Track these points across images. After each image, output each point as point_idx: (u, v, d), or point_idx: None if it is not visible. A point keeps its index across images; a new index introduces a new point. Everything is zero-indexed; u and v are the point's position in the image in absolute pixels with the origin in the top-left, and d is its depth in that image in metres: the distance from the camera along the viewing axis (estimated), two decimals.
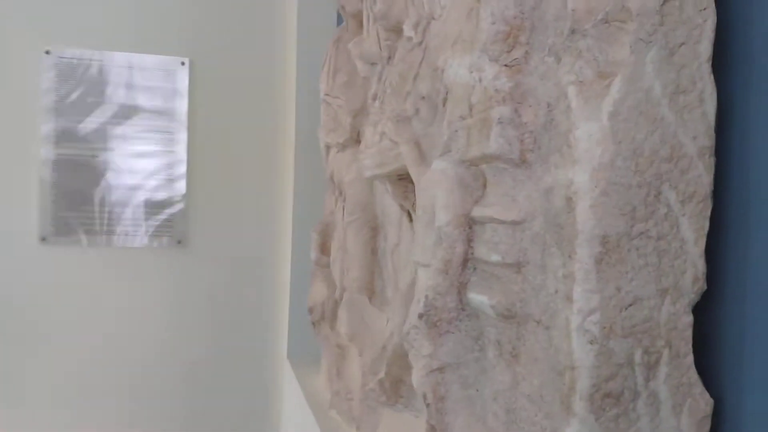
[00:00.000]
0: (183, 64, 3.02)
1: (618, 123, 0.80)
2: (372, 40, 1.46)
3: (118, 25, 2.95)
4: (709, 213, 0.84)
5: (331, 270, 1.79)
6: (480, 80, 0.94)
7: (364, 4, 1.59)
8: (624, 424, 0.81)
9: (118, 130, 2.96)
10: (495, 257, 0.91)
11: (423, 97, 1.15)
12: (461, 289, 0.98)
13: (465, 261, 0.98)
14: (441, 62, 1.06)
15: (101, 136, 2.94)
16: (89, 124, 2.92)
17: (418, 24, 1.19)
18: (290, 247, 2.99)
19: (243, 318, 3.09)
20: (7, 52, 2.86)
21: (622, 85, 0.81)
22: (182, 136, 3.02)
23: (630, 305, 0.81)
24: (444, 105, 1.07)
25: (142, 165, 2.99)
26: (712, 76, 0.84)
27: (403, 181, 1.31)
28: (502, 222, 0.91)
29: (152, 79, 2.99)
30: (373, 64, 1.51)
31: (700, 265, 0.84)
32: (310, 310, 1.93)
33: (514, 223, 0.89)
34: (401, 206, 1.34)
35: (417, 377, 1.01)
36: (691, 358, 0.84)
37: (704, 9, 0.83)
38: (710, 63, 0.84)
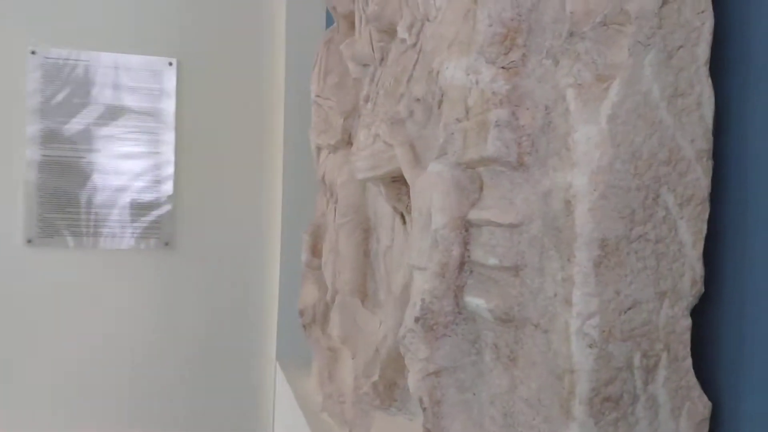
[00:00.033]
0: (170, 64, 3.00)
1: (617, 126, 0.80)
2: (364, 41, 1.46)
3: (105, 25, 2.92)
4: (707, 216, 0.84)
5: (323, 272, 1.78)
6: (477, 82, 0.93)
7: (356, 5, 1.58)
8: (623, 427, 0.81)
9: (105, 131, 2.93)
10: (492, 260, 0.91)
11: (417, 99, 1.14)
12: (458, 292, 0.97)
13: (461, 264, 0.97)
14: (436, 64, 1.05)
15: (87, 137, 2.91)
16: (75, 125, 2.90)
17: (413, 26, 1.18)
18: (279, 248, 2.97)
19: (231, 320, 3.07)
20: None
21: (621, 88, 0.81)
22: (170, 137, 3.00)
23: (629, 308, 0.81)
24: (439, 107, 1.06)
25: (129, 166, 2.97)
26: (709, 80, 0.84)
27: (396, 183, 1.30)
28: (500, 225, 0.90)
29: (139, 79, 2.97)
30: (365, 65, 1.50)
31: (698, 268, 0.84)
32: (301, 313, 1.92)
33: (512, 226, 0.89)
34: (394, 208, 1.34)
35: (413, 381, 1.00)
36: (689, 361, 0.84)
37: (702, 12, 0.83)
38: (708, 66, 0.84)
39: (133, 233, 2.97)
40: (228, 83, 3.05)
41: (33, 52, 2.85)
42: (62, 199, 2.89)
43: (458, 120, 0.98)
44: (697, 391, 0.84)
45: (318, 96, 1.84)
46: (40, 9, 2.86)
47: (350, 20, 1.82)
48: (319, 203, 1.97)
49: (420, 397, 0.99)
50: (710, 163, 0.85)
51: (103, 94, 2.93)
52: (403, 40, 1.23)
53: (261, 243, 3.09)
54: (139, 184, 2.98)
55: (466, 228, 0.97)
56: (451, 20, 1.03)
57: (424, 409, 0.99)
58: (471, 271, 0.97)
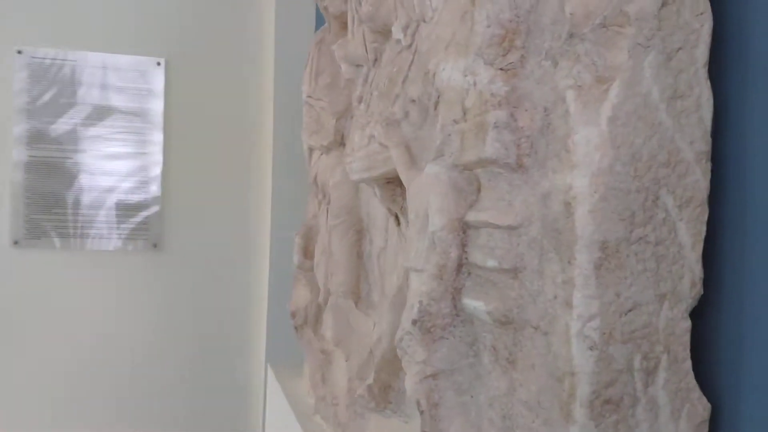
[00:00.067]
0: (158, 64, 2.98)
1: (617, 128, 0.80)
2: (357, 42, 1.45)
3: (92, 25, 2.90)
4: (706, 218, 0.84)
5: (315, 274, 1.78)
6: (474, 84, 0.93)
7: (348, 5, 1.58)
8: (623, 430, 0.81)
9: (92, 131, 2.91)
10: (491, 262, 0.91)
11: (413, 100, 1.14)
12: (455, 294, 0.97)
13: (459, 266, 0.97)
14: (432, 65, 1.05)
15: (75, 137, 2.89)
16: (62, 125, 2.87)
17: (408, 26, 1.18)
18: (268, 249, 2.96)
19: (220, 322, 3.06)
20: None
21: (621, 90, 0.81)
22: (158, 138, 2.98)
23: (629, 311, 0.81)
24: (435, 108, 1.06)
25: (117, 167, 2.95)
26: (708, 81, 0.84)
27: (390, 184, 1.29)
28: (498, 227, 0.90)
29: (127, 79, 2.95)
30: (358, 66, 1.49)
31: (698, 270, 0.84)
32: (293, 315, 1.91)
33: (511, 228, 0.89)
34: (389, 210, 1.33)
35: (410, 384, 1.00)
36: (689, 363, 0.84)
37: (701, 14, 0.83)
38: (707, 68, 0.84)
39: (121, 234, 2.95)
40: (217, 83, 3.04)
41: (19, 52, 2.82)
42: (49, 200, 2.86)
43: (455, 121, 0.98)
44: (696, 393, 0.84)
45: (309, 96, 1.83)
46: (26, 8, 2.83)
47: (342, 21, 1.81)
48: (310, 205, 1.96)
49: (417, 400, 0.99)
50: (709, 165, 0.85)
51: (91, 94, 2.91)
52: (398, 41, 1.22)
53: (250, 244, 3.08)
54: (127, 184, 2.96)
55: (463, 230, 0.97)
56: (447, 21, 1.03)
57: (422, 412, 0.99)
58: (469, 273, 0.97)
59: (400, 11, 1.20)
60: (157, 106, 2.98)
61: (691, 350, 0.85)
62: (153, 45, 2.98)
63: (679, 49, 0.83)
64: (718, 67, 0.87)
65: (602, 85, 0.81)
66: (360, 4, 1.44)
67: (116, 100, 2.94)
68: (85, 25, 2.90)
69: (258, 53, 3.07)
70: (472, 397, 0.98)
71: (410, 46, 1.18)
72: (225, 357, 3.05)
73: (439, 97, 1.03)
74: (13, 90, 2.82)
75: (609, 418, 0.80)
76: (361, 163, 1.29)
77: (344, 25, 1.81)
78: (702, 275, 0.84)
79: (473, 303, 0.93)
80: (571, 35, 0.84)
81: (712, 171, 0.85)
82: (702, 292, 0.85)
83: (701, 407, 0.85)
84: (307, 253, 1.89)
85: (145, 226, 2.98)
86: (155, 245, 2.99)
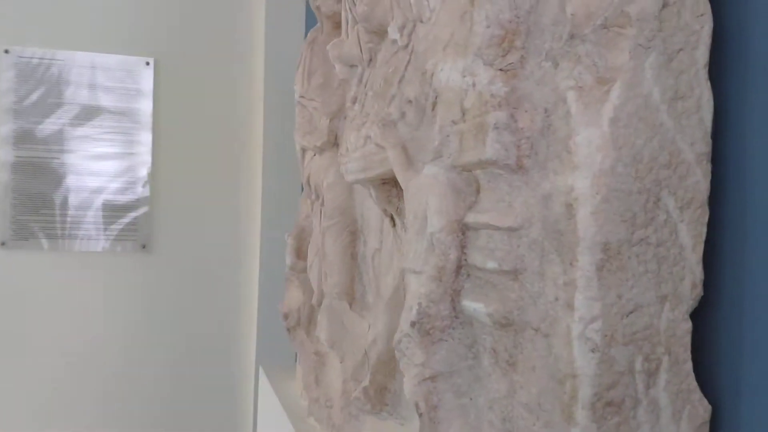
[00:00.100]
0: (147, 64, 2.96)
1: (618, 129, 0.80)
2: (352, 42, 1.44)
3: (81, 24, 2.88)
4: (706, 219, 0.84)
5: (308, 275, 1.77)
6: (474, 85, 0.92)
7: (342, 5, 1.57)
8: None
9: (80, 131, 2.89)
10: (491, 264, 0.90)
11: (409, 101, 1.13)
12: (454, 296, 0.97)
13: (458, 268, 0.96)
14: (430, 66, 1.04)
15: (62, 137, 2.86)
16: (50, 125, 2.85)
17: (404, 26, 1.17)
18: (258, 250, 2.95)
19: (209, 323, 3.04)
20: None
21: (622, 91, 0.80)
22: (146, 138, 2.96)
23: (631, 312, 0.80)
24: (433, 109, 1.05)
25: (105, 167, 2.92)
26: (708, 83, 0.84)
27: (386, 185, 1.29)
28: (498, 228, 0.89)
29: (115, 79, 2.93)
30: (352, 66, 1.49)
31: (698, 272, 0.84)
32: (285, 316, 1.90)
33: (511, 230, 0.88)
34: (384, 211, 1.33)
35: (409, 386, 0.99)
36: (690, 364, 0.84)
37: (701, 15, 0.83)
38: (707, 69, 0.84)
39: (110, 235, 2.93)
40: (206, 83, 3.02)
41: (6, 51, 2.79)
42: (37, 201, 2.84)
43: (454, 122, 0.97)
44: (697, 394, 0.84)
45: (302, 97, 1.82)
46: (13, 7, 2.81)
47: (334, 20, 1.81)
48: (303, 205, 1.95)
49: (416, 403, 0.98)
50: (709, 167, 0.85)
51: (79, 94, 2.88)
52: (394, 41, 1.21)
53: (240, 245, 3.06)
54: (115, 185, 2.94)
55: (462, 231, 0.96)
56: (445, 21, 1.02)
57: (421, 415, 0.98)
58: (468, 275, 0.96)
59: (397, 11, 1.19)
60: (145, 106, 2.96)
61: (692, 351, 0.85)
62: (142, 45, 2.96)
63: (680, 50, 0.83)
64: (718, 69, 0.87)
65: (603, 86, 0.81)
66: (354, 4, 1.44)
67: (104, 100, 2.92)
68: (73, 24, 2.87)
69: (248, 53, 3.05)
70: (471, 399, 0.97)
71: (407, 46, 1.17)
72: (215, 359, 3.04)
73: (436, 97, 1.03)
74: None
75: (611, 420, 0.80)
76: (357, 164, 1.29)
77: (337, 25, 1.80)
78: (702, 277, 0.84)
79: (473, 305, 0.93)
80: (572, 36, 0.83)
81: (712, 172, 0.85)
82: (702, 294, 0.85)
83: (702, 409, 0.84)
84: (300, 254, 1.88)
85: (133, 227, 2.96)
86: (144, 246, 2.97)
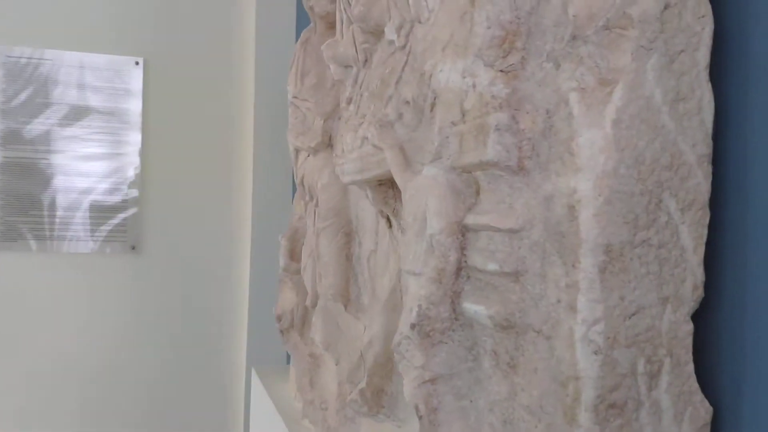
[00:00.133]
0: (137, 63, 2.94)
1: (621, 130, 0.80)
2: (347, 42, 1.44)
3: (69, 24, 2.85)
4: (707, 221, 0.84)
5: (302, 276, 1.76)
6: (474, 86, 0.92)
7: (337, 5, 1.56)
8: None
9: (69, 131, 2.87)
10: (492, 266, 0.90)
11: (407, 102, 1.13)
12: (454, 298, 0.96)
13: (458, 270, 0.96)
14: (429, 67, 1.04)
15: (51, 138, 2.84)
16: (38, 125, 2.82)
17: (402, 27, 1.16)
18: (249, 252, 2.93)
19: (200, 325, 3.02)
20: None
21: (624, 93, 0.80)
22: (136, 138, 2.94)
23: (633, 314, 0.80)
24: (431, 110, 1.05)
25: (94, 168, 2.90)
26: (709, 84, 0.84)
27: (383, 186, 1.28)
28: (499, 230, 0.89)
29: (104, 79, 2.91)
30: (347, 66, 1.48)
31: (699, 273, 0.84)
32: (278, 318, 1.89)
33: (512, 231, 0.88)
34: (381, 212, 1.32)
35: (409, 389, 0.99)
36: (691, 366, 0.84)
37: (702, 17, 0.83)
38: (708, 71, 0.84)
39: (99, 237, 2.90)
40: (196, 83, 3.01)
41: None
42: (25, 202, 2.81)
43: (453, 123, 0.97)
44: (698, 396, 0.84)
45: (295, 97, 1.81)
46: (1, 6, 2.78)
47: (328, 21, 1.80)
48: (296, 207, 1.95)
49: (416, 405, 0.98)
50: (710, 168, 0.85)
51: (67, 94, 2.86)
52: (391, 42, 1.21)
53: (231, 246, 3.05)
54: (104, 186, 2.92)
55: (462, 233, 0.96)
56: (444, 22, 1.02)
57: (420, 417, 0.98)
58: (468, 277, 0.96)
59: (394, 12, 1.18)
60: (135, 106, 2.94)
61: (693, 353, 0.85)
62: (131, 44, 2.94)
63: (681, 51, 0.83)
64: (719, 70, 0.87)
65: (606, 87, 0.81)
66: (349, 4, 1.43)
67: (93, 100, 2.90)
68: (62, 23, 2.85)
69: (238, 52, 3.04)
70: (471, 401, 0.97)
71: (404, 47, 1.16)
72: (205, 361, 3.02)
73: (435, 98, 1.02)
74: None
75: (613, 423, 0.80)
76: (353, 165, 1.28)
77: (330, 25, 1.80)
78: (704, 278, 0.84)
79: (474, 307, 0.93)
80: (574, 37, 0.83)
81: (713, 174, 0.85)
82: (703, 295, 0.85)
83: (703, 410, 0.85)
84: (294, 255, 1.87)
85: (123, 228, 2.94)
86: (133, 247, 2.95)
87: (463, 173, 0.97)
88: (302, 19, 2.81)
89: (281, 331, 1.88)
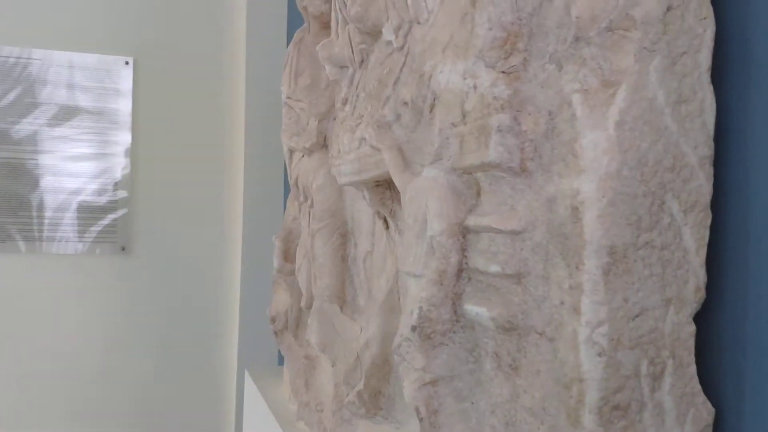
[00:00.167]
0: (127, 63, 2.92)
1: (624, 132, 0.80)
2: (343, 42, 1.43)
3: (58, 23, 2.83)
4: (709, 222, 0.85)
5: (297, 278, 1.75)
6: (475, 87, 0.92)
7: (332, 6, 1.55)
8: None
9: (58, 131, 2.84)
10: (494, 268, 0.89)
11: (405, 103, 1.12)
12: (456, 300, 0.96)
13: (459, 271, 0.96)
14: (428, 68, 1.03)
15: (40, 138, 2.81)
16: (27, 125, 2.80)
17: (400, 28, 1.16)
18: (240, 252, 2.92)
19: (191, 327, 3.01)
20: None
21: (628, 94, 0.80)
22: (125, 138, 2.92)
23: (636, 316, 0.80)
24: (431, 111, 1.04)
25: (83, 168, 2.88)
26: (711, 86, 0.84)
27: (380, 187, 1.28)
28: (501, 231, 0.89)
29: (94, 79, 2.88)
30: (342, 67, 1.47)
31: (701, 275, 0.84)
32: (272, 320, 1.88)
33: (514, 233, 0.88)
34: (378, 213, 1.32)
35: (409, 391, 0.98)
36: (694, 367, 0.84)
37: (704, 18, 0.84)
38: (710, 72, 0.84)
39: (88, 238, 2.88)
40: (186, 83, 2.99)
41: None
42: (13, 203, 2.78)
43: (454, 124, 0.97)
44: (701, 397, 0.84)
45: (289, 98, 1.80)
46: None
47: (322, 21, 1.80)
48: (290, 207, 1.94)
49: (417, 407, 0.98)
50: (712, 170, 0.85)
51: (57, 94, 2.84)
52: (389, 43, 1.20)
53: (222, 247, 3.03)
54: (94, 186, 2.89)
55: (463, 234, 0.96)
56: (444, 23, 1.01)
57: (421, 420, 0.98)
58: (469, 279, 0.96)
59: (392, 12, 1.18)
60: (125, 106, 2.92)
61: (695, 354, 0.85)
62: (121, 43, 2.92)
63: (684, 53, 0.83)
64: (720, 72, 0.87)
65: (609, 89, 0.81)
66: (345, 4, 1.43)
67: (83, 100, 2.87)
68: (51, 22, 2.82)
69: (229, 52, 3.03)
70: (472, 403, 0.97)
71: (402, 47, 1.16)
72: (196, 362, 3.00)
73: (435, 99, 1.02)
74: None
75: (617, 424, 0.80)
76: (351, 166, 1.27)
77: (324, 25, 1.79)
78: (706, 279, 0.85)
79: (475, 309, 0.92)
80: (576, 39, 0.83)
81: (714, 175, 0.86)
82: (705, 297, 0.85)
83: (705, 412, 0.85)
84: (288, 256, 1.86)
85: (113, 228, 2.92)
86: (123, 248, 2.93)
87: (464, 174, 0.97)
88: (293, 19, 2.80)
89: (275, 333, 1.88)
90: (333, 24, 1.56)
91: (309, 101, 1.74)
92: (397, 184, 1.13)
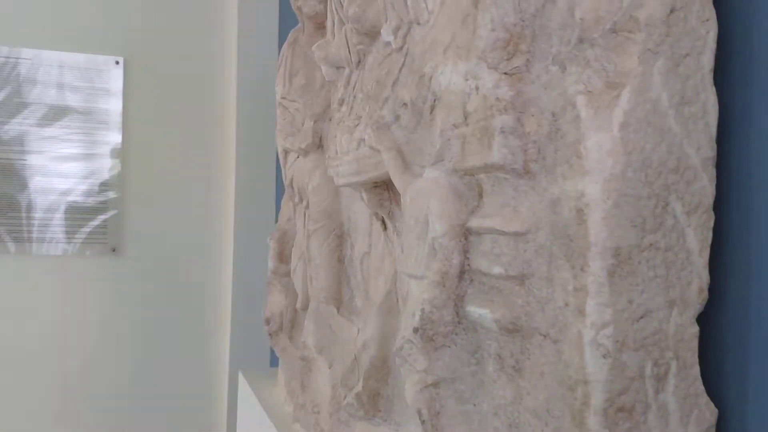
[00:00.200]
0: (117, 63, 2.90)
1: (628, 134, 0.80)
2: (339, 43, 1.42)
3: (48, 22, 2.81)
4: (712, 224, 0.85)
5: (292, 279, 1.74)
6: (477, 88, 0.92)
7: (328, 6, 1.55)
8: None
9: (48, 132, 2.82)
10: (497, 269, 0.89)
11: (404, 104, 1.12)
12: (458, 301, 0.96)
13: (461, 273, 0.95)
14: (429, 69, 1.03)
15: (29, 138, 2.79)
16: (16, 125, 2.77)
17: (399, 28, 1.16)
18: (232, 253, 2.91)
19: (182, 329, 2.99)
20: None
21: (632, 96, 0.80)
22: (116, 139, 2.90)
23: (641, 318, 0.80)
24: (431, 112, 1.04)
25: (73, 169, 2.86)
26: (713, 87, 0.84)
27: (378, 188, 1.27)
28: (504, 233, 0.89)
29: (84, 78, 2.86)
30: (339, 67, 1.47)
31: (705, 276, 0.85)
32: (267, 321, 1.87)
33: (517, 235, 0.88)
34: (376, 214, 1.31)
35: (411, 393, 0.98)
36: (697, 368, 0.84)
37: (707, 20, 0.84)
38: (712, 74, 0.84)
39: (78, 239, 2.86)
40: (177, 83, 2.97)
41: None
42: (2, 203, 2.76)
43: (455, 126, 0.97)
44: (704, 398, 0.85)
45: (284, 98, 1.80)
46: None
47: (316, 21, 1.79)
48: (285, 208, 1.93)
49: (418, 409, 0.97)
50: (714, 171, 0.85)
51: (46, 94, 2.81)
52: (388, 43, 1.20)
53: (213, 248, 3.02)
54: (84, 187, 2.87)
55: (465, 236, 0.96)
56: (445, 24, 1.01)
57: (423, 422, 0.97)
58: (471, 280, 0.96)
59: (391, 13, 1.18)
60: (115, 106, 2.90)
61: (698, 355, 0.85)
62: (111, 43, 2.90)
63: (687, 55, 0.83)
64: (723, 74, 0.87)
65: (613, 90, 0.81)
66: (341, 5, 1.42)
67: (73, 100, 2.85)
68: (40, 22, 2.80)
69: (220, 51, 3.01)
70: (474, 405, 0.97)
71: (401, 48, 1.16)
72: (187, 364, 2.99)
73: (435, 100, 1.02)
74: None
75: (622, 426, 0.80)
76: (349, 167, 1.27)
77: (319, 26, 1.78)
78: (709, 281, 0.85)
79: (478, 311, 0.92)
80: (581, 40, 0.83)
81: (716, 177, 0.86)
82: (708, 298, 0.85)
83: (709, 413, 0.85)
84: (282, 257, 1.86)
85: (103, 229, 2.90)
86: (114, 250, 2.91)
87: (466, 176, 0.97)
88: (285, 18, 2.79)
89: (270, 334, 1.87)
90: (329, 24, 1.55)
91: (304, 102, 1.74)
92: (397, 185, 1.12)
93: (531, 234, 0.87)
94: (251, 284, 2.77)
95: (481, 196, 0.96)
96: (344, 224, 1.55)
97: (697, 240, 0.84)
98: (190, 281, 2.98)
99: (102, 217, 2.90)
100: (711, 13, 0.84)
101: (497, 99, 0.88)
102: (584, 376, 0.79)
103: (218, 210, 3.01)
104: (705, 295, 0.85)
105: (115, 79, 2.89)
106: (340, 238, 1.54)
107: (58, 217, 2.83)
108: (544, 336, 0.85)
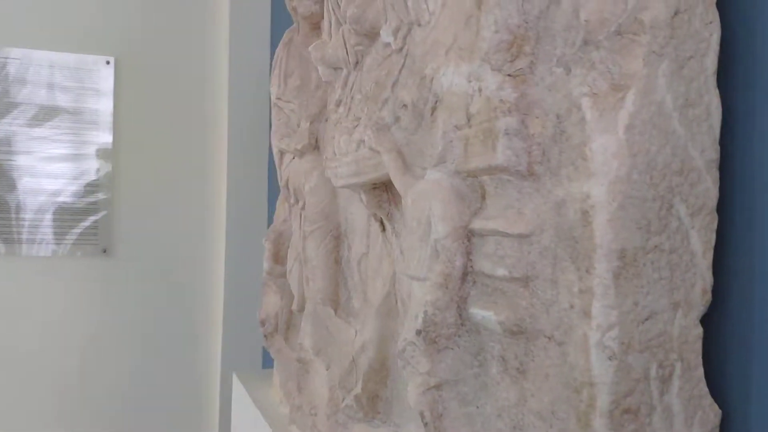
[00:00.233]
0: (108, 63, 2.88)
1: (633, 136, 0.80)
2: (336, 43, 1.42)
3: (38, 21, 2.78)
4: (715, 226, 0.85)
5: (288, 280, 1.74)
6: (480, 90, 0.91)
7: (325, 6, 1.54)
8: None
9: (38, 132, 2.80)
10: (501, 271, 0.89)
11: (404, 105, 1.12)
12: (461, 303, 0.96)
13: (464, 275, 0.95)
14: (430, 70, 1.03)
15: (19, 138, 2.77)
16: (5, 125, 2.75)
17: (399, 29, 1.15)
18: (224, 254, 2.90)
19: (174, 330, 2.97)
20: None
21: (637, 98, 0.80)
22: (106, 139, 2.88)
23: (646, 319, 0.81)
24: (432, 114, 1.04)
25: (64, 169, 2.84)
26: (717, 90, 0.85)
27: (377, 189, 1.27)
28: (508, 235, 0.88)
29: (74, 78, 2.84)
30: (336, 68, 1.46)
31: (708, 278, 0.85)
32: (262, 322, 1.86)
33: (521, 237, 0.87)
34: (374, 215, 1.31)
35: (413, 395, 0.98)
36: (701, 370, 0.84)
37: (710, 23, 0.84)
38: (715, 76, 0.85)
39: (69, 240, 2.84)
40: (169, 83, 2.96)
41: None
42: None
43: (457, 127, 0.96)
44: (708, 399, 0.85)
45: (279, 99, 1.79)
46: None
47: (312, 21, 1.78)
48: (280, 209, 1.92)
49: (421, 412, 0.97)
50: (718, 173, 0.85)
51: (36, 94, 2.79)
52: (387, 44, 1.20)
53: (205, 249, 3.00)
54: (74, 188, 2.85)
55: (468, 238, 0.95)
56: (447, 25, 1.01)
57: (426, 424, 0.97)
58: (474, 282, 0.95)
59: (390, 14, 1.17)
60: (106, 106, 2.88)
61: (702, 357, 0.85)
62: (102, 43, 2.88)
63: (690, 57, 0.83)
64: (726, 76, 0.88)
65: (618, 92, 0.81)
66: (338, 5, 1.42)
67: (63, 100, 2.83)
68: (31, 21, 2.77)
69: (212, 51, 3.00)
70: (477, 407, 0.96)
71: (401, 49, 1.15)
72: (179, 365, 2.97)
73: (437, 102, 1.02)
74: None
75: (627, 428, 0.80)
76: (348, 168, 1.27)
77: (314, 26, 1.78)
78: (712, 282, 0.85)
79: (482, 313, 0.92)
80: (585, 42, 0.83)
81: (720, 179, 0.86)
82: (711, 299, 0.85)
83: (712, 414, 0.85)
84: (278, 258, 1.85)
85: (94, 230, 2.88)
86: (105, 251, 2.90)
87: (468, 178, 0.97)
88: (277, 18, 2.78)
89: (265, 336, 1.86)
90: (326, 25, 1.55)
91: (299, 102, 1.73)
92: (397, 187, 1.12)
93: (535, 236, 0.87)
94: (243, 285, 2.76)
95: (483, 197, 0.95)
96: (341, 225, 1.54)
97: (700, 242, 0.84)
98: (182, 282, 2.97)
99: (93, 218, 2.88)
100: (714, 15, 0.85)
101: (501, 101, 0.88)
102: (590, 378, 0.79)
103: (210, 211, 2.99)
104: (708, 296, 0.85)
105: (105, 79, 2.87)
106: (337, 239, 1.54)
107: (49, 218, 2.81)
108: (549, 338, 0.85)
